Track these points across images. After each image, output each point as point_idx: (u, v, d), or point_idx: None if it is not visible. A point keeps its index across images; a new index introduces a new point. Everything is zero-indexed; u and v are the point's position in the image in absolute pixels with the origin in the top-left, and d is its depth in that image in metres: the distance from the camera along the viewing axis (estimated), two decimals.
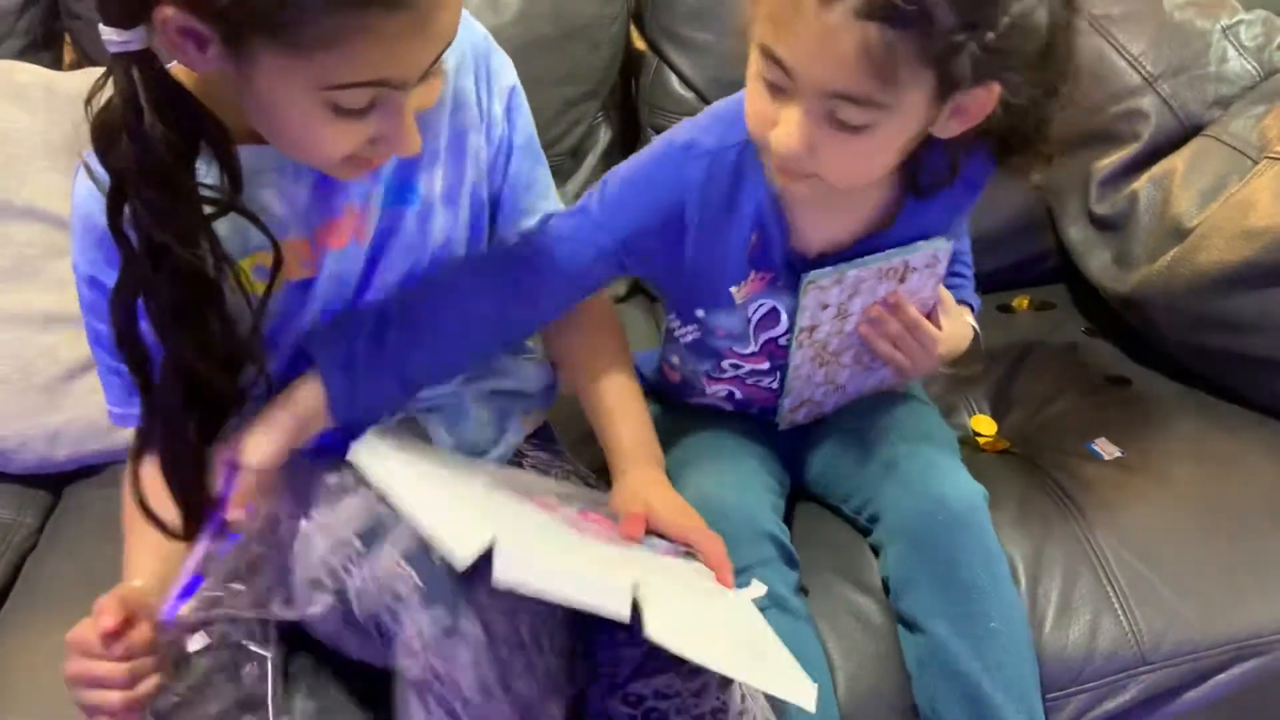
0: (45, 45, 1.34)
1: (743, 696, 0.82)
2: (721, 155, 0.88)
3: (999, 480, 1.08)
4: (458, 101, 0.83)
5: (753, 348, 0.98)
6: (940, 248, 0.92)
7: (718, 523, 0.88)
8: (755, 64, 0.78)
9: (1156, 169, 1.33)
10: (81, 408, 1.12)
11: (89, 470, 1.15)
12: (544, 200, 0.92)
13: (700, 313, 0.97)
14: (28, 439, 1.11)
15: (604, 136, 1.50)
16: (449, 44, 0.66)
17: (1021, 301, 1.50)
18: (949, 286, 1.06)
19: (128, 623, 0.72)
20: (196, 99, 0.67)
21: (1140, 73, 1.35)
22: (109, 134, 0.66)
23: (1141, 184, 1.33)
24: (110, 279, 0.72)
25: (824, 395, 1.05)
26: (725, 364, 1.02)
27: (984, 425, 1.23)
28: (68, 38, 1.37)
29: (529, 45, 1.35)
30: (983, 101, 0.75)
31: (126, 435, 1.11)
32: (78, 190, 0.75)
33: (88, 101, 0.67)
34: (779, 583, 0.93)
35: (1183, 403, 1.25)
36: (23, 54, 1.30)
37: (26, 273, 1.14)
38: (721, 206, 0.89)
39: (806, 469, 1.10)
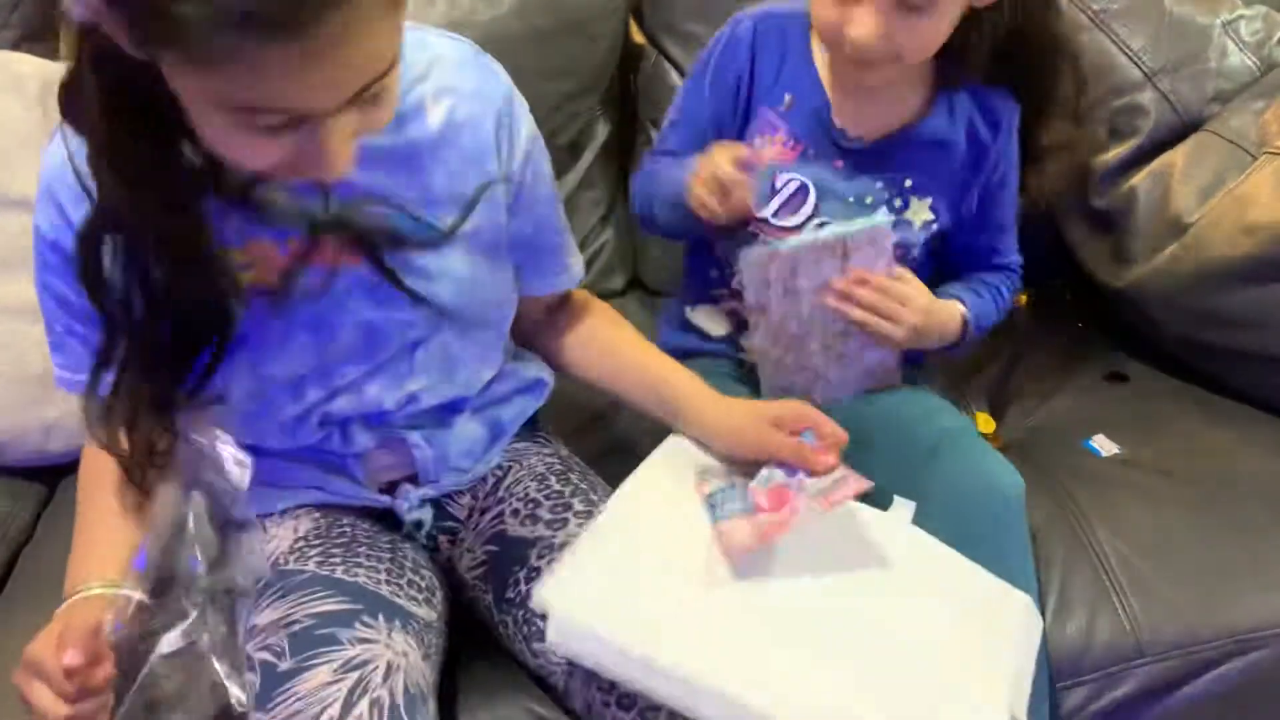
0: (40, 36, 1.33)
1: None
2: (770, 14, 1.01)
3: None
4: (480, 149, 0.83)
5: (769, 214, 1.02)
6: (878, 225, 0.95)
7: None
8: None
9: (1156, 164, 1.32)
10: (76, 400, 1.11)
11: None
12: (571, 257, 0.98)
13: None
14: (22, 431, 1.10)
15: (602, 131, 1.49)
16: (376, 74, 0.61)
17: (1020, 298, 1.50)
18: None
19: (92, 662, 0.69)
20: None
21: (1140, 68, 1.35)
22: (78, 113, 0.66)
23: (1141, 179, 1.32)
24: (68, 242, 0.74)
25: (808, 383, 1.04)
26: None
27: (982, 423, 1.23)
28: (63, 29, 1.36)
29: (526, 38, 1.35)
30: None
31: None
32: (47, 160, 0.75)
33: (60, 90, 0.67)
34: None
35: (1181, 399, 1.25)
36: (18, 45, 1.29)
37: (19, 263, 1.12)
38: (771, 64, 1.00)
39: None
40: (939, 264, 1.10)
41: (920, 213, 1.04)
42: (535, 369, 1.01)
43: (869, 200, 1.02)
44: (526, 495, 0.94)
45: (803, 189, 1.01)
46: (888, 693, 0.74)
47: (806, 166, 1.01)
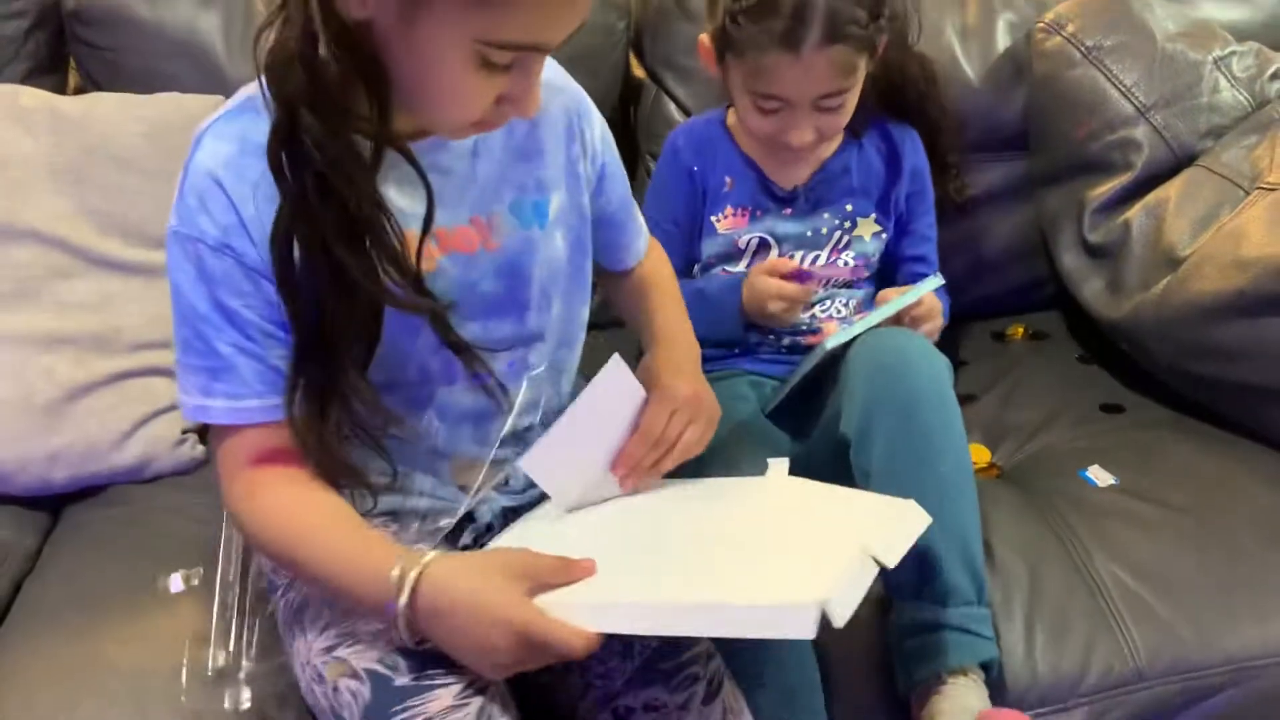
0: (50, 70, 1.35)
1: (725, 711, 0.83)
2: (691, 128, 1.30)
3: (994, 506, 1.09)
4: (570, 134, 0.89)
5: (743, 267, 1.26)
6: (931, 289, 1.14)
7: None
8: (747, 101, 1.14)
9: (1150, 198, 1.34)
10: (81, 429, 1.12)
11: (88, 492, 1.15)
12: (643, 232, 1.05)
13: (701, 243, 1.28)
14: (27, 460, 1.11)
15: None
16: (584, 22, 0.70)
17: (1016, 330, 1.51)
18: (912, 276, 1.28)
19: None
20: (360, 36, 0.69)
21: (1133, 103, 1.37)
22: (282, 65, 0.68)
23: (1135, 213, 1.34)
24: (246, 245, 0.73)
25: None
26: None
27: (976, 453, 1.24)
28: (72, 62, 1.38)
29: None
30: (883, 44, 1.14)
31: (128, 457, 1.13)
32: (201, 161, 0.74)
33: (255, 40, 0.70)
34: None
35: (1176, 430, 1.26)
36: (28, 78, 1.31)
37: (27, 294, 1.14)
38: (706, 160, 1.25)
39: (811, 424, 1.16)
40: (879, 277, 1.30)
41: (867, 228, 1.25)
42: None
43: (824, 230, 1.24)
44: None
45: (764, 242, 1.24)
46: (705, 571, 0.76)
47: (759, 224, 1.24)
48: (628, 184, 0.99)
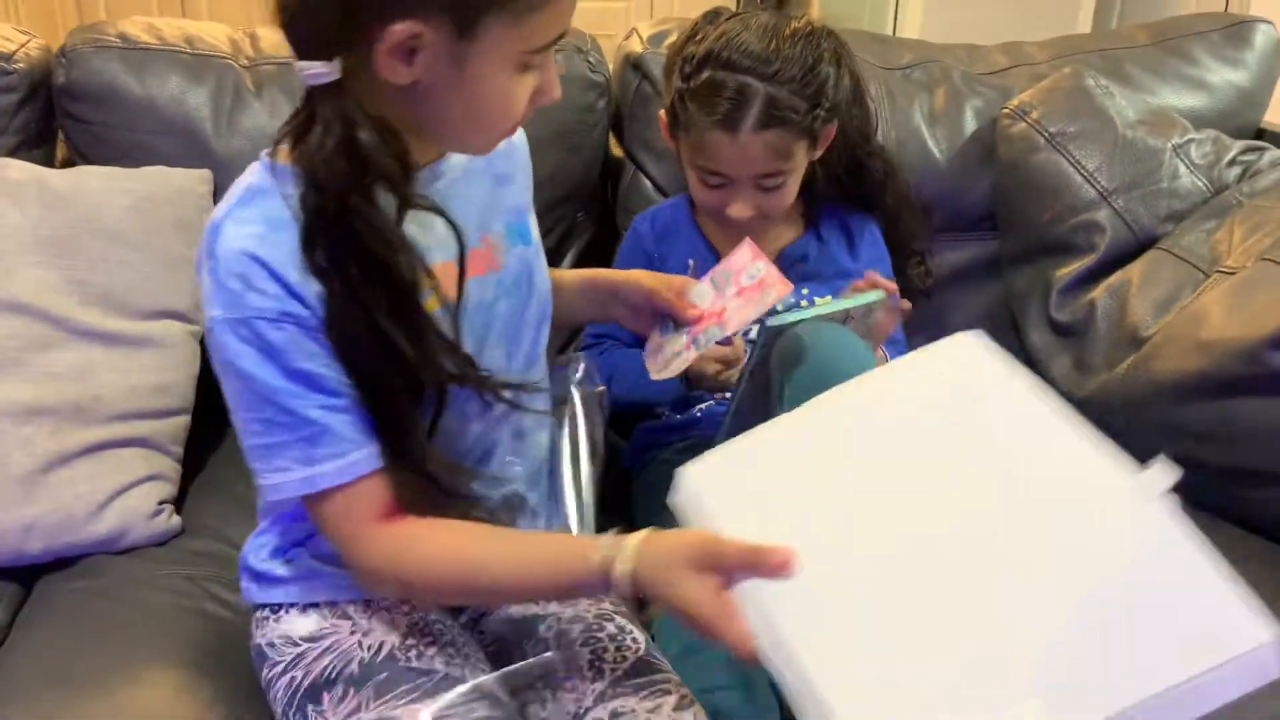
0: (38, 143, 1.37)
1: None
2: (657, 213, 1.36)
3: None
4: (525, 165, 0.98)
5: None
6: (874, 301, 1.12)
7: None
8: (693, 174, 1.23)
9: (1113, 279, 1.38)
10: (57, 500, 1.12)
11: (61, 563, 1.14)
12: None
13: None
14: (1, 531, 1.11)
15: (583, 237, 1.55)
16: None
17: None
18: None
19: None
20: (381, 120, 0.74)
21: (1095, 188, 1.41)
22: (325, 162, 0.72)
23: (1099, 293, 1.38)
24: (300, 308, 0.75)
25: None
26: None
27: None
28: (61, 135, 1.40)
29: None
30: (829, 133, 1.22)
31: (103, 528, 1.13)
32: (230, 245, 0.76)
33: (277, 143, 0.77)
34: None
35: None
36: (16, 151, 1.33)
37: (7, 365, 1.14)
38: (671, 243, 1.31)
39: None
40: None
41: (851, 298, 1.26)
42: None
43: (778, 309, 1.19)
44: None
45: None
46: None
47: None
48: None
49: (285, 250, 0.75)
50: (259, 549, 0.93)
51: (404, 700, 0.80)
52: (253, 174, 0.80)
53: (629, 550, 0.75)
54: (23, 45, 1.36)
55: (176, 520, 1.19)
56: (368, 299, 0.75)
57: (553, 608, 0.94)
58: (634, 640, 0.90)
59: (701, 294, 0.99)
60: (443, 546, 0.82)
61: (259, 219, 0.77)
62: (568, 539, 0.86)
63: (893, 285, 1.17)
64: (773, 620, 0.66)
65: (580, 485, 1.05)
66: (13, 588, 1.13)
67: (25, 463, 1.12)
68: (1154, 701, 0.57)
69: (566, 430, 1.07)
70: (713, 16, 1.22)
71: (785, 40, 1.15)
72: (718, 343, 1.00)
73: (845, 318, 1.10)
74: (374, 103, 0.74)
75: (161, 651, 1.00)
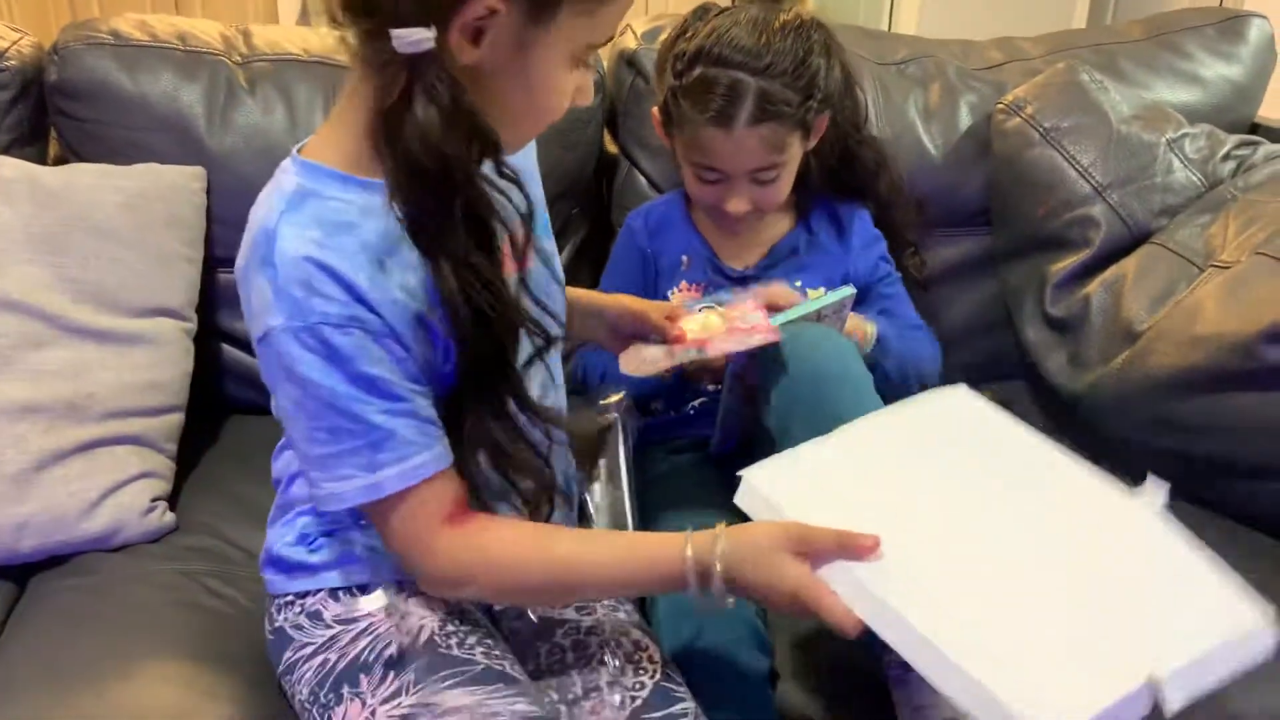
0: (31, 140, 1.37)
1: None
2: (650, 210, 1.36)
3: None
4: (535, 165, 0.97)
5: None
6: (845, 296, 1.13)
7: None
8: (689, 171, 1.23)
9: (1108, 273, 1.38)
10: (50, 498, 1.12)
11: (54, 560, 1.14)
12: None
13: None
14: None
15: (578, 233, 1.55)
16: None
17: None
18: None
19: None
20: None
21: (1090, 182, 1.41)
22: (431, 126, 0.71)
23: (1094, 288, 1.38)
24: (366, 313, 0.75)
25: None
26: None
27: None
28: (53, 133, 1.40)
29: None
30: (822, 124, 1.23)
31: (96, 526, 1.13)
32: (290, 251, 0.74)
33: (387, 122, 0.73)
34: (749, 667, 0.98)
35: None
36: (8, 149, 1.32)
37: (1, 363, 1.14)
38: (664, 239, 1.32)
39: None
40: None
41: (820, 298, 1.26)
42: None
43: None
44: None
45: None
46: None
47: (711, 296, 1.26)
48: None
49: (348, 252, 0.75)
50: (285, 539, 0.92)
51: (445, 686, 0.81)
52: (291, 173, 0.79)
53: (721, 541, 0.78)
54: (15, 43, 1.36)
55: (170, 517, 1.19)
56: (478, 265, 0.75)
57: (570, 614, 0.94)
58: (650, 661, 0.90)
59: (692, 325, 1.00)
60: (528, 547, 0.82)
61: (313, 222, 0.75)
62: (648, 536, 0.86)
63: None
64: (872, 592, 0.73)
65: (628, 499, 1.08)
66: (6, 586, 1.13)
67: (18, 460, 1.11)
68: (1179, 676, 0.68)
69: (622, 451, 1.09)
70: (702, 12, 1.22)
71: (775, 33, 1.16)
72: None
73: (818, 317, 1.11)
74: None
75: (155, 647, 1.00)
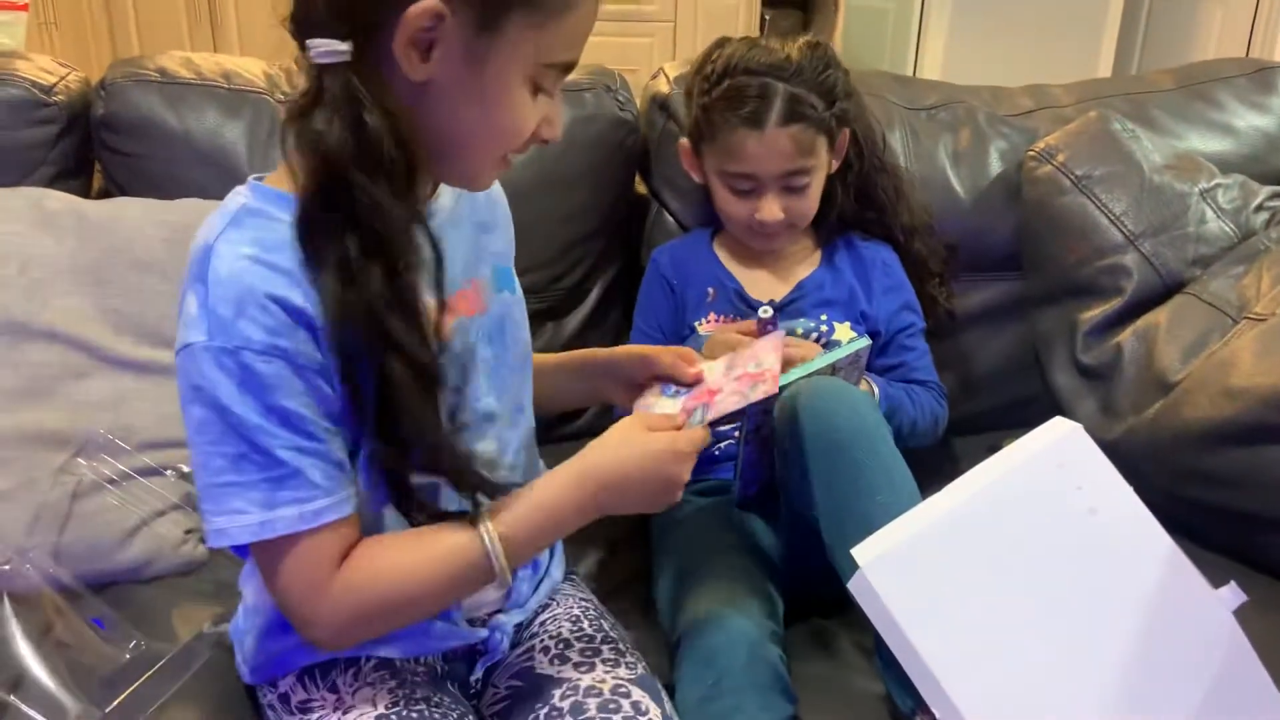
0: (76, 173, 1.39)
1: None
2: (674, 246, 1.42)
3: None
4: (507, 216, 0.98)
5: None
6: (861, 348, 1.14)
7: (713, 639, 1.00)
8: (721, 186, 1.28)
9: (1140, 323, 1.37)
10: (86, 527, 1.13)
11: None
12: None
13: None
14: (29, 558, 1.11)
15: (608, 273, 1.56)
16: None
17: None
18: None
19: None
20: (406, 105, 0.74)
21: (1122, 231, 1.41)
22: (328, 137, 0.71)
23: (1126, 336, 1.37)
24: (298, 340, 0.74)
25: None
26: None
27: None
28: (98, 166, 1.42)
29: (540, 185, 1.42)
30: (843, 141, 1.30)
31: (131, 556, 1.14)
32: (224, 270, 0.73)
33: (287, 122, 0.74)
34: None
35: None
36: (54, 181, 1.35)
37: (42, 393, 1.16)
38: (689, 274, 1.35)
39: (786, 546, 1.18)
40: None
41: (844, 332, 1.32)
42: None
43: (798, 332, 1.30)
44: (559, 634, 0.95)
45: None
46: None
47: (785, 323, 1.30)
48: None
49: (283, 271, 0.74)
50: (247, 634, 0.92)
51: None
52: (242, 195, 0.78)
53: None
54: (63, 78, 1.39)
55: (203, 550, 1.20)
56: (367, 282, 0.72)
57: (569, 673, 0.90)
58: None
59: (712, 368, 1.00)
60: (374, 573, 0.79)
61: (250, 241, 0.74)
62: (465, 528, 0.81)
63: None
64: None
65: None
66: None
67: (56, 490, 1.13)
68: None
69: None
70: (722, 43, 1.30)
71: (794, 49, 1.25)
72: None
73: (832, 370, 1.10)
74: (385, 103, 0.73)
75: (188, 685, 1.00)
